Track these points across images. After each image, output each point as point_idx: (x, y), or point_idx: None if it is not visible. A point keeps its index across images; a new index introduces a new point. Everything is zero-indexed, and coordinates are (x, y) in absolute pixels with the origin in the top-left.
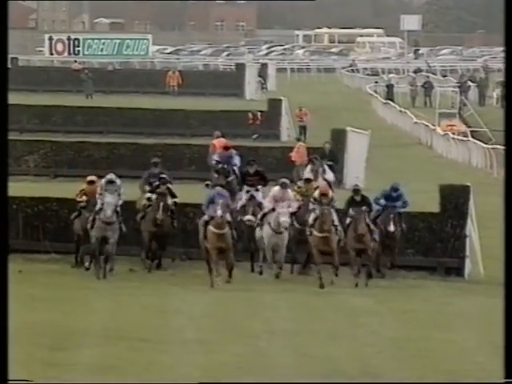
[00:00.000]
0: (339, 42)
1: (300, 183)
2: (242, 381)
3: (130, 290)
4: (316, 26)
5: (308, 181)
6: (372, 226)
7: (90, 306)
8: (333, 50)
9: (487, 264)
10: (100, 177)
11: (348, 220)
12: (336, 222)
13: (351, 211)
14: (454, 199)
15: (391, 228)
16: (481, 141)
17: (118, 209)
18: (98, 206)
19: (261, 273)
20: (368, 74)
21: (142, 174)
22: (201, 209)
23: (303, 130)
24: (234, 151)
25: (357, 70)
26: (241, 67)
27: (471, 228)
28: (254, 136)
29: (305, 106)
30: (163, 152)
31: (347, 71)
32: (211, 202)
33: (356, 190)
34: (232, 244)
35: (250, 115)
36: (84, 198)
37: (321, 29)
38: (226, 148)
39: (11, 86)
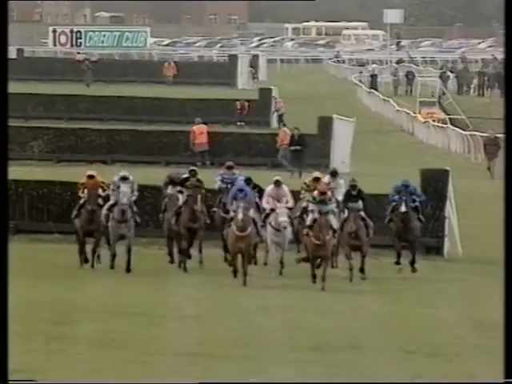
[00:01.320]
0: (326, 35)
1: (308, 181)
2: (235, 353)
3: (134, 270)
4: (304, 20)
5: (317, 179)
6: (368, 221)
7: (92, 283)
8: (320, 42)
9: (465, 243)
10: (102, 162)
11: (344, 215)
12: (334, 226)
13: (348, 206)
14: (434, 182)
15: (402, 208)
16: (459, 128)
17: (133, 203)
18: (111, 202)
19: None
20: (354, 65)
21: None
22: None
23: (280, 117)
24: (237, 171)
25: (342, 60)
26: (233, 58)
27: (450, 210)
28: (239, 123)
29: (293, 94)
30: (160, 138)
31: (333, 62)
32: (234, 197)
33: (353, 186)
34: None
35: (238, 104)
36: (86, 192)
37: (309, 22)
38: (230, 168)
39: (17, 75)
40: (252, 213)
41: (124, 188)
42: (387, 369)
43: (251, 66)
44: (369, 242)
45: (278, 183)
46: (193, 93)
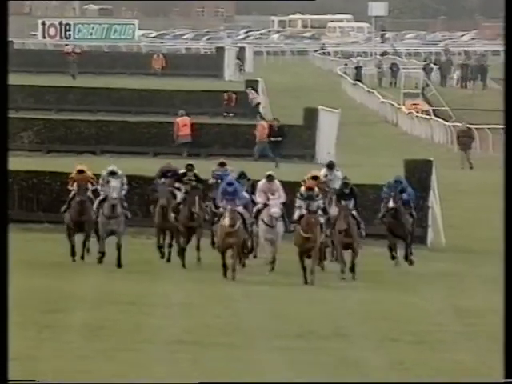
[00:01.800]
0: (312, 27)
1: (307, 178)
2: (221, 340)
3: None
4: (290, 12)
5: (315, 178)
6: (359, 219)
7: (83, 273)
8: (306, 34)
9: (448, 233)
10: (91, 153)
11: (335, 213)
12: (322, 223)
13: (339, 204)
14: (418, 173)
15: (390, 204)
16: (442, 119)
17: (123, 198)
18: (100, 198)
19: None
20: (339, 57)
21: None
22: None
23: (255, 108)
24: (229, 168)
25: (328, 53)
26: (220, 50)
27: (433, 200)
28: (226, 114)
29: (280, 86)
30: (149, 129)
31: (319, 54)
32: (223, 193)
33: (345, 183)
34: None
35: (226, 96)
36: (75, 186)
37: (294, 15)
38: (222, 164)
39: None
40: (241, 209)
41: (114, 183)
42: (373, 356)
43: (238, 58)
44: (360, 242)
45: (270, 178)
46: (180, 84)
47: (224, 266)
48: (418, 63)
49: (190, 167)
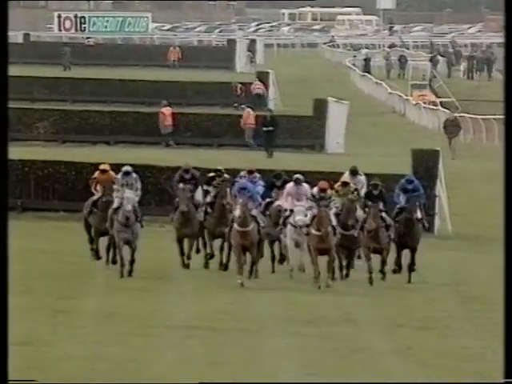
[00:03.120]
0: (321, 20)
1: (337, 186)
2: (232, 325)
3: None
4: (300, 6)
5: (345, 184)
6: (389, 221)
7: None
8: (315, 27)
9: (454, 221)
10: (105, 143)
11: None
12: (334, 223)
13: (368, 206)
14: (425, 162)
15: (418, 215)
16: (449, 109)
17: (136, 205)
18: (115, 204)
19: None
20: (348, 49)
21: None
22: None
23: (256, 97)
24: (258, 175)
25: (337, 45)
26: (232, 43)
27: (440, 188)
28: (236, 105)
29: (290, 77)
30: None
31: (328, 46)
32: (235, 196)
33: (374, 185)
34: (257, 240)
35: (234, 87)
36: (99, 187)
37: (304, 8)
38: (251, 172)
39: (24, 59)
40: (255, 211)
41: (128, 193)
42: (379, 341)
43: (249, 51)
44: (389, 244)
45: (298, 181)
46: (193, 76)
47: (239, 268)
48: (425, 55)
49: (219, 173)
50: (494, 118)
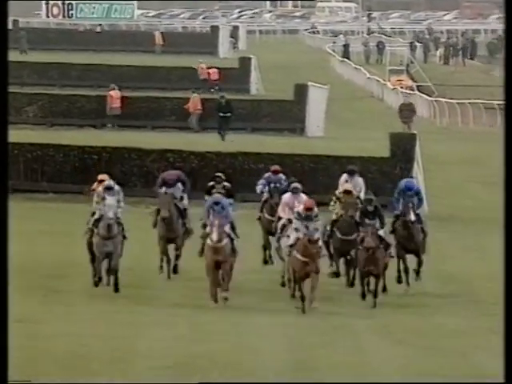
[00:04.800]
0: (302, 7)
1: (339, 193)
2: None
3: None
4: None
5: (347, 192)
6: (387, 241)
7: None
8: (296, 14)
9: (430, 202)
10: (92, 126)
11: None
12: (320, 243)
13: (364, 224)
14: (402, 145)
15: (411, 217)
16: (425, 94)
17: (119, 215)
18: (95, 216)
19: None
20: (330, 36)
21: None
22: (181, 155)
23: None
24: (283, 176)
25: (317, 31)
26: (215, 29)
27: (417, 171)
28: (212, 90)
29: (271, 63)
30: (147, 104)
31: (309, 33)
32: (209, 210)
33: (368, 200)
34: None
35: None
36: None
37: None
38: (276, 172)
39: (13, 45)
40: (228, 228)
41: (109, 200)
42: (358, 319)
43: (232, 37)
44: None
45: (295, 190)
46: (177, 61)
47: (213, 290)
48: (402, 41)
49: (218, 179)
50: (469, 103)
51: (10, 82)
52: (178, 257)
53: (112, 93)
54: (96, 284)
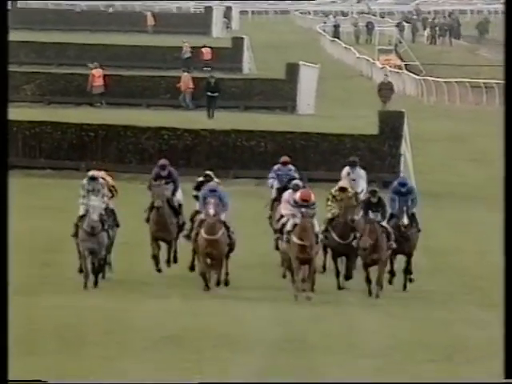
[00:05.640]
0: None
1: (334, 191)
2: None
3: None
4: None
5: (343, 190)
6: (390, 230)
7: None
8: None
9: (418, 178)
10: (89, 104)
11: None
12: (317, 230)
13: (367, 216)
14: (391, 123)
15: (405, 221)
16: (413, 73)
17: (103, 212)
18: (80, 212)
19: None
20: (321, 16)
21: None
22: (175, 133)
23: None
24: (292, 167)
25: (308, 12)
26: (209, 10)
27: (405, 148)
28: (205, 69)
29: (263, 43)
30: (142, 83)
31: (300, 14)
32: (205, 198)
33: (372, 192)
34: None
35: (203, 50)
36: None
37: None
38: (285, 163)
39: (11, 25)
40: (224, 216)
41: (94, 201)
42: (345, 291)
43: (225, 17)
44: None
45: (296, 187)
46: (171, 41)
47: (205, 279)
48: (391, 22)
49: (208, 177)
50: (456, 81)
51: (9, 62)
52: (175, 252)
53: (94, 71)
54: (85, 285)
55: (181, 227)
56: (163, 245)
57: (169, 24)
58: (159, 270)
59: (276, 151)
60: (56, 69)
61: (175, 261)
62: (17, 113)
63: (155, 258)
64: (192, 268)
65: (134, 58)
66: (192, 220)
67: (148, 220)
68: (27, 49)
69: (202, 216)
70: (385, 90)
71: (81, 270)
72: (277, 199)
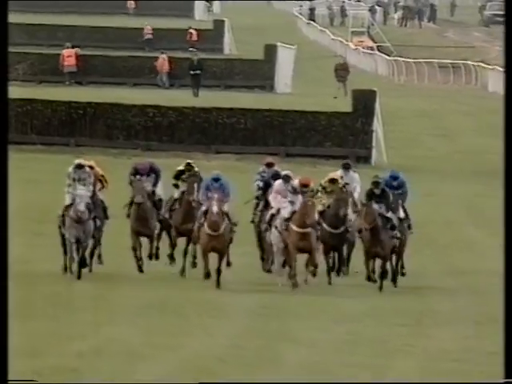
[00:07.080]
0: None
1: (324, 182)
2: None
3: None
4: None
5: (333, 181)
6: (394, 222)
7: None
8: None
9: (389, 153)
10: (78, 83)
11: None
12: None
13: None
14: (364, 101)
15: (401, 214)
16: (385, 54)
17: (90, 201)
18: (66, 201)
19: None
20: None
21: None
22: (160, 110)
23: (147, 42)
24: (278, 170)
25: None
26: None
27: (377, 124)
28: (191, 49)
29: (244, 25)
30: (127, 62)
31: None
32: (207, 188)
33: (375, 183)
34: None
35: (189, 32)
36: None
37: None
38: (270, 165)
39: None
40: (226, 207)
41: (81, 191)
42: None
43: (207, 0)
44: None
45: (287, 178)
46: (153, 23)
47: (207, 273)
48: (364, 5)
49: (189, 167)
50: (425, 62)
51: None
52: (157, 249)
53: (64, 51)
54: (65, 267)
55: (161, 222)
56: (144, 240)
57: (151, 7)
58: (141, 270)
59: (255, 128)
60: (47, 49)
61: (157, 257)
62: (9, 91)
63: (135, 250)
64: (194, 264)
65: (119, 40)
66: (171, 209)
67: (129, 216)
68: (20, 30)
69: (204, 208)
70: (341, 70)
71: (65, 269)
72: (259, 198)
